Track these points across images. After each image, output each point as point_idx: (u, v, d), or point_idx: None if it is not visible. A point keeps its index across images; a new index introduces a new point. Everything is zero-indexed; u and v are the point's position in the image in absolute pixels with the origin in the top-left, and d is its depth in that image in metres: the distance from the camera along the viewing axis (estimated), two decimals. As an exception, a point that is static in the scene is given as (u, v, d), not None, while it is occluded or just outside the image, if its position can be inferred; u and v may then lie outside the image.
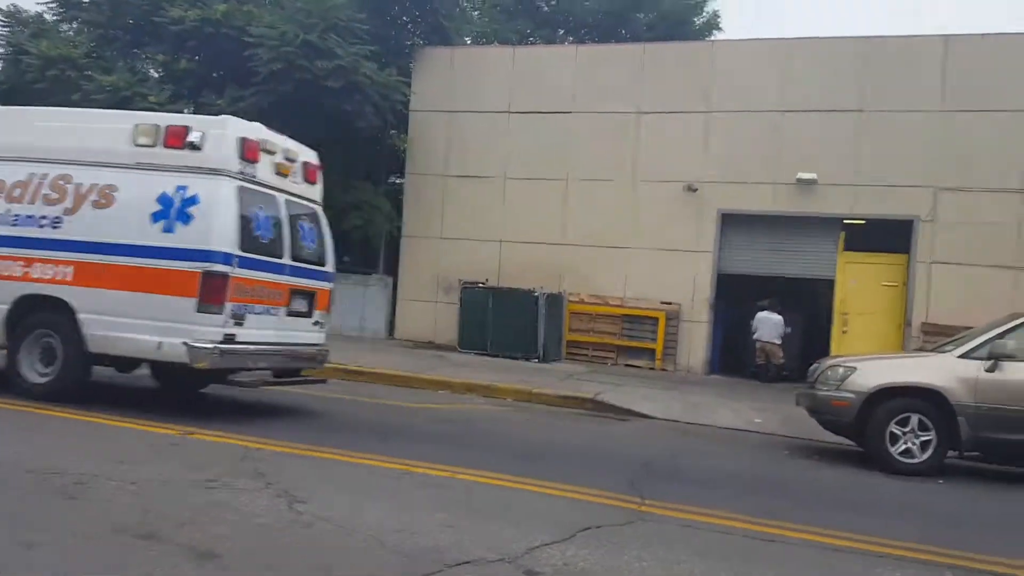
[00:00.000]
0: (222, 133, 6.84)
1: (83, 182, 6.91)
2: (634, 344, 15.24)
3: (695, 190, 14.95)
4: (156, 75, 15.63)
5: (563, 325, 15.20)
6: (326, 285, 7.91)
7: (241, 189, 6.77)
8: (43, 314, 6.79)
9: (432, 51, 16.85)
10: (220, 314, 6.48)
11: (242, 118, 7.15)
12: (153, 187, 6.71)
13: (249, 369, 6.99)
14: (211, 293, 6.45)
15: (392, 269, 16.60)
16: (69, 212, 6.89)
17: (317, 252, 7.84)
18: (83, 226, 6.81)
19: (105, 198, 6.85)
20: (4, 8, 16.93)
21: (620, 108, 15.45)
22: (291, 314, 7.37)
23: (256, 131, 7.10)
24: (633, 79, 15.51)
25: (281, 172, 7.36)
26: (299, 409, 7.95)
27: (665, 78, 15.40)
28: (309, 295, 7.63)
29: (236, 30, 14.71)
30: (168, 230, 6.60)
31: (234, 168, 6.76)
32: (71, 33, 16.86)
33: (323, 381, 8.26)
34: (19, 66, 15.64)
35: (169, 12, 15.10)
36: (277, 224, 7.21)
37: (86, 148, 7.02)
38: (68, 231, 6.84)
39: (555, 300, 14.83)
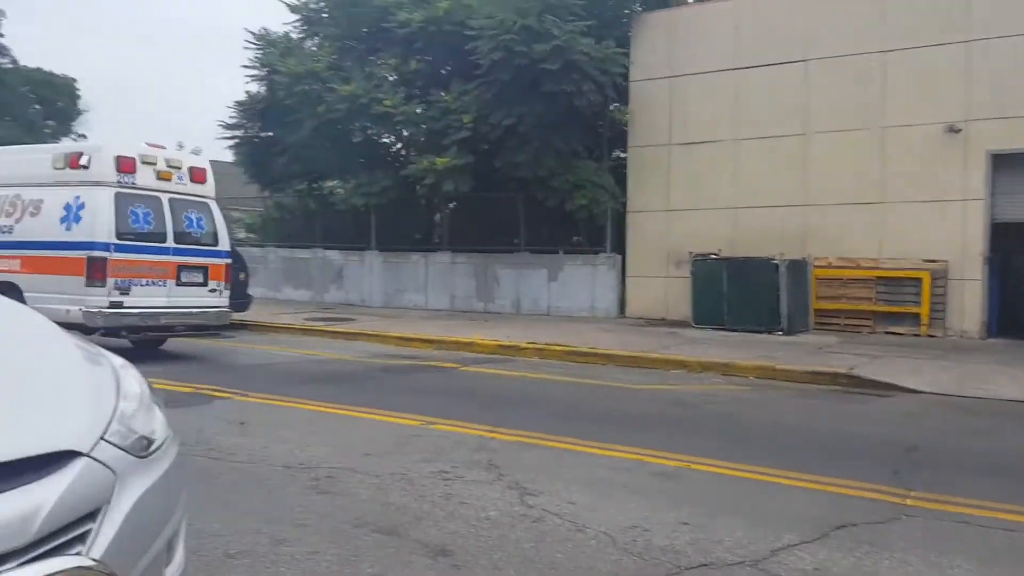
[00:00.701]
0: (101, 155, 9.37)
1: (25, 198, 9.67)
2: (894, 309, 13.82)
3: (958, 131, 13.20)
4: (390, 79, 16.62)
5: (809, 293, 14.14)
6: (218, 261, 10.35)
7: (118, 195, 9.26)
8: (5, 295, 8.74)
9: (649, 16, 16.33)
10: (103, 287, 9.04)
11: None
12: (62, 198, 9.35)
13: (148, 328, 9.57)
14: (94, 272, 9.01)
15: (620, 246, 16.42)
16: (18, 220, 9.66)
17: (208, 235, 10.30)
18: (24, 230, 9.59)
19: (36, 208, 9.56)
20: (255, 32, 18.85)
21: (862, 48, 14.01)
22: (182, 284, 9.90)
23: (133, 149, 9.61)
24: (875, 14, 13.98)
25: (163, 177, 9.80)
26: (532, 398, 8.05)
27: (913, 7, 13.71)
28: (202, 269, 10.15)
29: (458, 25, 15.22)
30: (68, 228, 9.25)
31: (111, 179, 9.28)
32: (314, 48, 18.40)
33: (224, 329, 10.88)
34: (272, 85, 17.38)
35: (397, 16, 15.95)
36: (159, 216, 9.66)
37: (28, 174, 9.77)
38: (17, 234, 9.62)
39: (798, 267, 13.83)
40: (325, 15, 18.19)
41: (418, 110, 16.37)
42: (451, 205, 18.79)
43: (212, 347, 11.63)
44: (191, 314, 10.08)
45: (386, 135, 18.21)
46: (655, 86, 15.94)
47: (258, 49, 18.35)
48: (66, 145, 10.94)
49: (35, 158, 10.09)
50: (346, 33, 17.61)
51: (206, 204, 10.35)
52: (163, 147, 10.14)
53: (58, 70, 35.72)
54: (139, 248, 9.44)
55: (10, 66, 30.47)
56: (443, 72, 17.08)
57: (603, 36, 15.02)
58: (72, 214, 9.26)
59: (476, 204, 17.66)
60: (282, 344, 12.17)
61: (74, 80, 34.92)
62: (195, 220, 10.21)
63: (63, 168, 9.50)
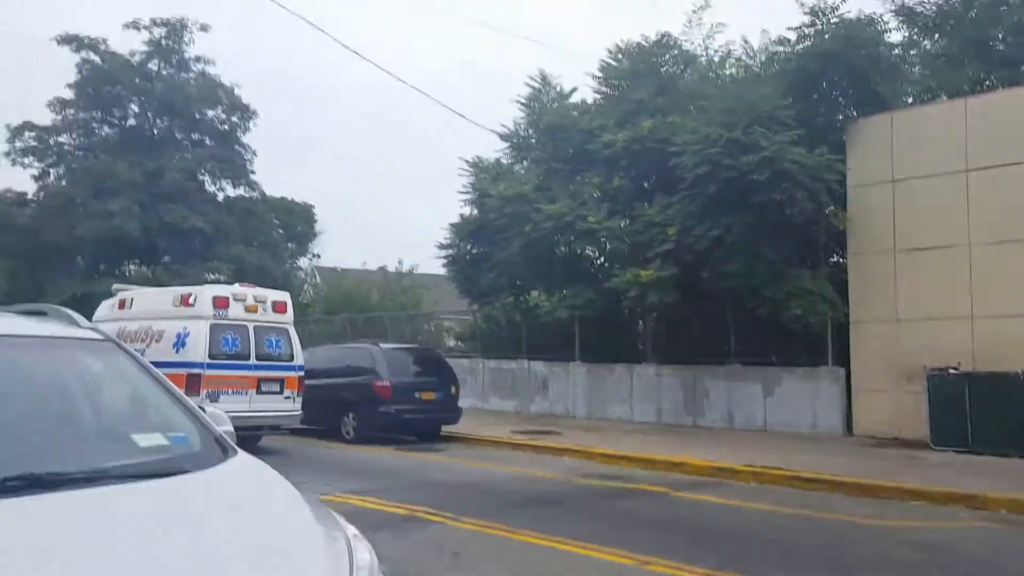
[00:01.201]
0: (203, 295, 12.20)
1: (154, 328, 12.23)
2: None
3: None
4: (594, 196, 17.06)
5: (1074, 413, 12.33)
6: (292, 373, 12.77)
7: (213, 325, 11.89)
8: None
9: (867, 121, 15.65)
10: (197, 396, 10.79)
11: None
12: (175, 328, 11.97)
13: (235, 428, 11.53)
14: (191, 385, 11.14)
15: (842, 358, 15.32)
16: (148, 345, 12.00)
17: (285, 354, 12.76)
18: (151, 353, 11.53)
19: (159, 336, 12.12)
20: (468, 159, 20.21)
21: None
22: (262, 392, 12.25)
23: (227, 290, 12.54)
24: None
25: (250, 310, 12.44)
26: (754, 533, 7.51)
27: None
28: (279, 381, 12.57)
29: (661, 142, 15.44)
30: (177, 351, 11.75)
31: (209, 314, 11.96)
32: (522, 172, 19.39)
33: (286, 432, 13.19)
34: (483, 208, 18.41)
35: (601, 138, 16.50)
36: (245, 340, 12.18)
37: (157, 310, 12.63)
38: (147, 356, 11.99)
39: (1058, 384, 12.14)
40: (533, 141, 19.20)
41: (621, 224, 16.59)
42: (655, 315, 18.60)
43: (425, 461, 12.06)
44: (268, 417, 12.32)
45: (590, 249, 18.56)
46: (876, 191, 15.09)
47: (471, 175, 19.63)
48: (181, 289, 13.35)
49: (162, 297, 13.09)
50: (552, 156, 18.43)
51: (285, 329, 12.94)
52: (254, 286, 13.38)
53: (298, 197, 40.13)
54: (228, 365, 11.90)
55: (259, 198, 34.59)
56: (646, 186, 17.29)
57: (815, 143, 14.57)
58: (180, 341, 11.91)
59: (682, 314, 17.34)
60: (490, 460, 12.35)
61: (312, 206, 39.00)
62: (274, 342, 12.71)
63: (178, 306, 12.34)
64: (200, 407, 3.22)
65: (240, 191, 33.98)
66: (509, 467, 11.51)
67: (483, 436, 14.64)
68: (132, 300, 13.46)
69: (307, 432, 15.03)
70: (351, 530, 2.61)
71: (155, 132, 32.77)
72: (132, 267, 32.47)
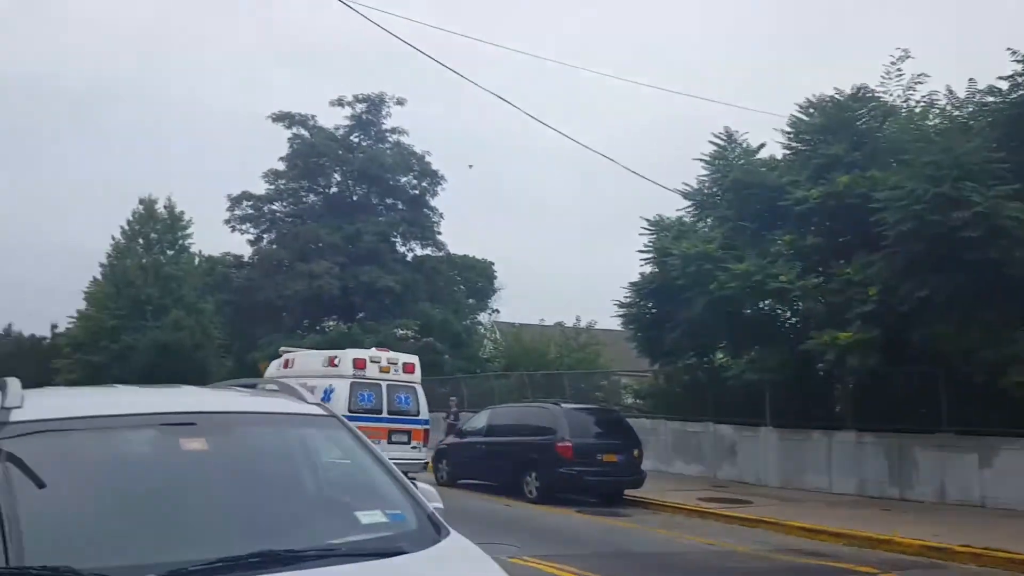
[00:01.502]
0: (345, 357, 14.35)
1: (308, 385, 12.23)
2: None
3: None
4: (784, 254, 16.35)
5: None
6: (419, 426, 14.42)
7: (352, 384, 13.84)
8: None
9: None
10: None
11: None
12: (323, 385, 13.54)
13: None
14: None
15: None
16: None
17: (413, 408, 14.45)
18: None
19: (312, 391, 11.83)
20: (649, 219, 20.02)
21: None
22: (392, 443, 13.51)
23: (366, 353, 14.62)
24: None
25: (383, 371, 14.32)
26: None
27: None
28: (407, 432, 14.15)
29: (859, 198, 14.59)
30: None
31: (349, 373, 13.92)
32: (706, 230, 18.96)
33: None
34: (664, 267, 18.13)
35: (793, 195, 15.85)
36: (379, 396, 14.08)
37: (312, 369, 14.61)
38: None
39: None
40: (717, 199, 18.77)
41: (815, 283, 15.74)
42: (853, 378, 17.37)
43: (612, 527, 11.84)
44: (398, 465, 14.42)
45: (779, 308, 17.72)
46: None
47: (651, 234, 19.46)
48: (329, 352, 15.66)
49: (315, 359, 15.37)
50: (738, 214, 17.90)
51: (413, 387, 14.71)
52: (388, 350, 15.45)
53: (479, 254, 41.63)
54: (364, 418, 12.85)
55: (444, 257, 36.29)
56: (841, 243, 16.34)
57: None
58: (327, 395, 13.26)
59: (884, 377, 16.04)
60: (679, 528, 11.92)
61: (491, 263, 40.30)
62: (404, 399, 14.49)
63: (327, 366, 14.47)
64: (412, 481, 3.33)
65: (427, 251, 35.85)
66: (700, 537, 11.05)
67: (669, 502, 14.18)
68: (294, 360, 15.92)
69: (486, 488, 15.36)
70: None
71: (354, 198, 35.44)
72: (331, 323, 34.89)
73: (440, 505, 3.31)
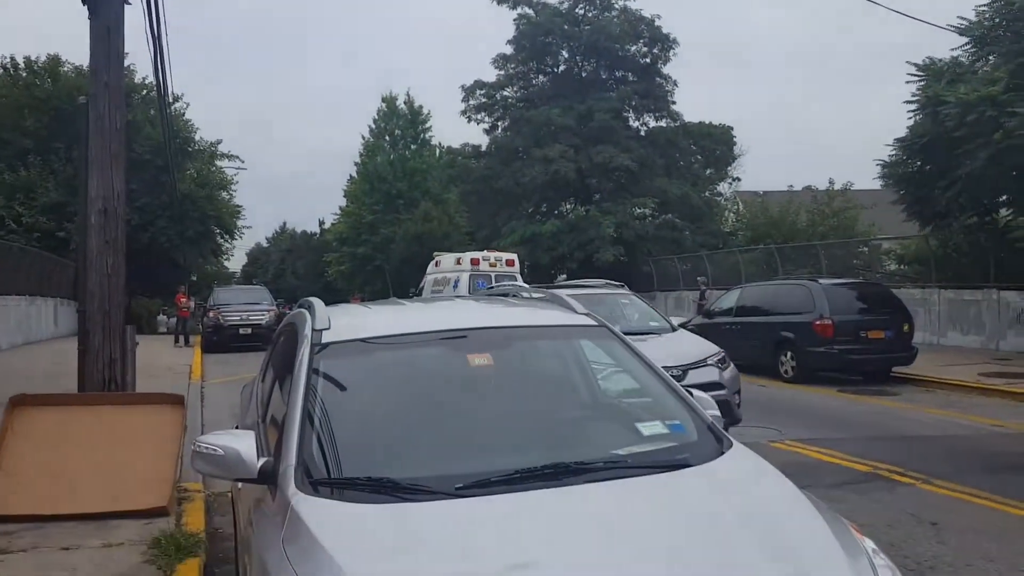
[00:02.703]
0: (465, 258, 20.54)
1: (448, 279, 20.27)
2: None
3: None
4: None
5: None
6: None
7: (471, 275, 19.31)
8: None
9: None
10: None
11: None
12: (453, 277, 19.91)
13: None
14: None
15: None
16: (444, 288, 20.25)
17: (512, 291, 15.66)
18: (444, 294, 19.26)
19: (446, 282, 20.20)
20: (918, 63, 17.76)
21: None
22: None
23: (479, 254, 20.57)
24: None
25: (491, 265, 19.82)
26: None
27: None
28: None
29: None
30: (454, 289, 19.34)
31: (468, 269, 19.58)
32: (987, 71, 16.50)
33: None
34: (937, 117, 16.12)
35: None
36: (488, 281, 18.46)
37: (448, 267, 21.01)
38: (443, 295, 17.85)
39: None
40: (1002, 32, 16.15)
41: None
42: None
43: (879, 407, 11.29)
44: None
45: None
46: None
47: (920, 80, 17.32)
48: (456, 254, 22.10)
49: (449, 259, 21.56)
50: (1025, 47, 15.32)
51: (514, 276, 19.76)
52: (495, 251, 22.41)
53: (716, 120, 39.52)
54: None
55: (679, 127, 34.89)
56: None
57: None
58: (454, 284, 19.71)
59: None
60: (957, 408, 11.10)
61: (730, 128, 38.10)
62: (507, 283, 19.90)
63: (455, 265, 20.53)
64: (688, 390, 3.34)
65: (662, 123, 34.71)
66: (983, 418, 10.23)
67: (944, 379, 13.20)
68: (440, 261, 22.13)
69: (739, 368, 15.12)
70: (868, 544, 2.50)
71: (583, 75, 34.88)
72: (568, 206, 35.40)
73: (717, 413, 3.30)
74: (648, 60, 33.66)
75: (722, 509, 2.52)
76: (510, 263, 20.62)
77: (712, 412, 3.26)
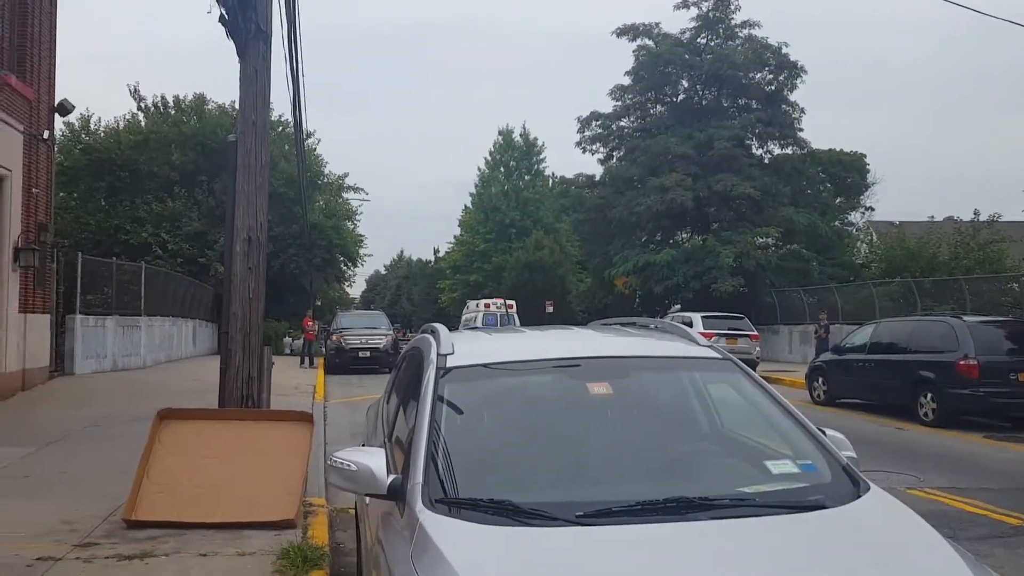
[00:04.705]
0: (479, 303, 38.44)
1: (468, 316, 38.71)
2: None
3: None
4: None
5: None
6: None
7: (484, 315, 36.18)
8: None
9: None
10: None
11: None
12: (471, 316, 37.76)
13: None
14: None
15: None
16: (477, 324, 36.35)
17: (512, 323, 33.76)
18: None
19: (467, 321, 38.16)
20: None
21: None
22: None
23: (490, 300, 38.15)
24: None
25: (497, 308, 36.47)
26: None
27: None
28: None
29: None
30: (472, 325, 34.66)
31: (482, 310, 36.73)
32: None
33: None
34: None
35: None
36: (495, 318, 35.26)
37: (470, 308, 39.91)
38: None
39: None
40: None
41: None
42: None
43: (1030, 457, 10.48)
44: None
45: None
46: None
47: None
48: (479, 300, 37.10)
49: (472, 303, 38.87)
50: None
51: (513, 315, 34.90)
52: (501, 299, 37.70)
53: (848, 147, 38.07)
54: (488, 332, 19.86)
55: (806, 155, 33.82)
56: None
57: None
58: (475, 320, 35.75)
59: None
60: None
61: (862, 155, 36.64)
62: (508, 319, 34.98)
63: (477, 308, 37.21)
64: (820, 429, 3.25)
65: (787, 150, 33.80)
66: None
67: None
68: (469, 306, 37.68)
69: (870, 408, 14.55)
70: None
71: (703, 103, 34.50)
72: (684, 235, 34.91)
73: (853, 454, 3.18)
74: (773, 87, 32.96)
75: (859, 555, 2.42)
76: (510, 306, 36.30)
77: (847, 453, 3.15)
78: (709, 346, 3.72)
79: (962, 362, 12.66)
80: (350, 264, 41.31)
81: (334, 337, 24.54)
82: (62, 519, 5.92)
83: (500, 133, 59.05)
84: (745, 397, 3.48)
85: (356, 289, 79.62)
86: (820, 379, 16.06)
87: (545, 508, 2.60)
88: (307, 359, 25.42)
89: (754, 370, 4.40)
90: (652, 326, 4.42)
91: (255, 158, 7.20)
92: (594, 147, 36.27)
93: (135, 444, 6.89)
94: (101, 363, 18.25)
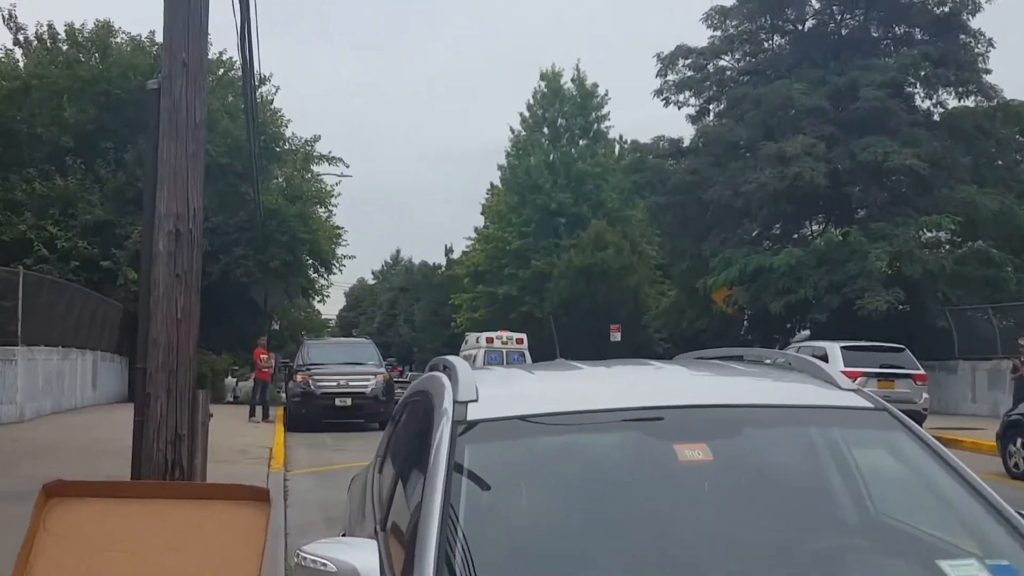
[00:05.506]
0: (481, 337, 42.16)
1: (470, 354, 38.51)
2: None
3: None
4: None
5: None
6: None
7: (485, 352, 39.03)
8: None
9: None
10: None
11: None
12: (472, 353, 38.96)
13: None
14: None
15: None
16: (478, 362, 36.55)
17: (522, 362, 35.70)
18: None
19: (471, 359, 33.28)
20: None
21: None
22: None
23: (493, 335, 41.70)
24: None
25: (503, 343, 40.41)
26: None
27: None
28: None
29: None
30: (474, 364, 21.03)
31: (484, 346, 39.90)
32: None
33: None
34: None
35: None
36: (500, 357, 37.78)
37: (471, 343, 43.76)
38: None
39: None
40: None
41: None
42: None
43: None
44: None
45: None
46: None
47: None
48: (477, 334, 42.08)
49: (473, 337, 43.42)
50: None
51: (523, 352, 39.04)
52: (507, 332, 41.67)
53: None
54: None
55: (996, 109, 33.41)
56: None
57: None
58: (472, 360, 30.59)
59: None
60: None
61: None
62: (516, 358, 37.10)
63: (477, 343, 40.78)
64: (1021, 514, 3.21)
65: (967, 101, 33.51)
66: None
67: None
68: (468, 340, 42.84)
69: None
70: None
71: (842, 32, 34.42)
72: (815, 227, 34.76)
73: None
74: (947, 9, 32.78)
75: None
76: (519, 341, 39.89)
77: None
78: (855, 390, 3.70)
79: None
80: (323, 270, 41.58)
81: (299, 377, 24.78)
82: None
83: (543, 77, 58.35)
84: (909, 466, 3.46)
85: (331, 306, 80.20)
86: (1020, 440, 15.87)
87: None
88: (260, 409, 25.58)
89: (920, 425, 4.34)
90: (769, 361, 4.40)
91: (186, 113, 7.30)
92: (682, 97, 36.43)
93: (7, 534, 6.96)
94: (-53, 415, 18.49)
